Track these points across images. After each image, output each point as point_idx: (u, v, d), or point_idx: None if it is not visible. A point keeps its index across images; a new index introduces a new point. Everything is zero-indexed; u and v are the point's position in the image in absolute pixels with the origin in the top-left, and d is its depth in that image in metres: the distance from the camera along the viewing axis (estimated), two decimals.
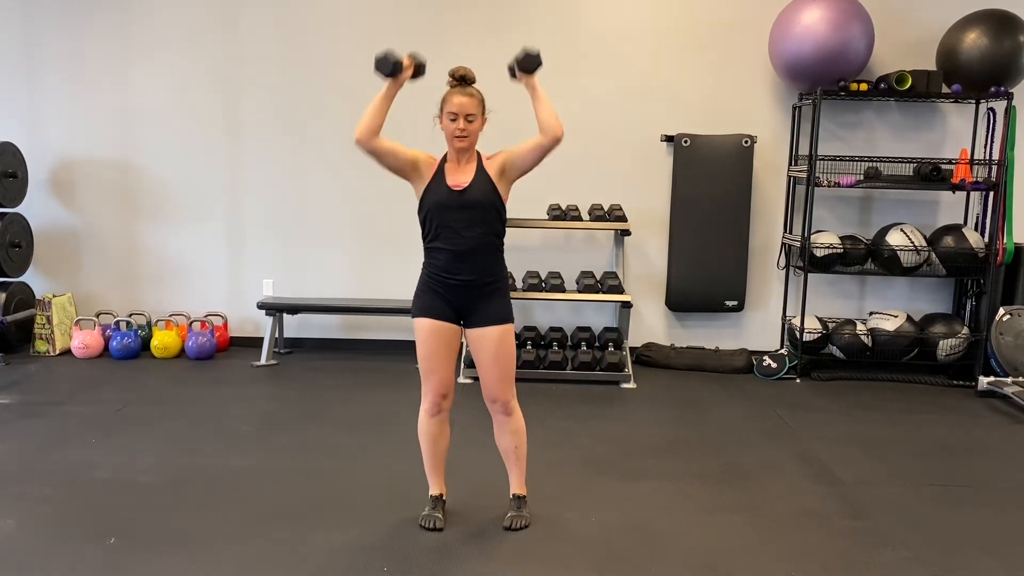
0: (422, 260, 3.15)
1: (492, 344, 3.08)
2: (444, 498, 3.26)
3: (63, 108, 5.91)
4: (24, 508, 3.29)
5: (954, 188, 5.41)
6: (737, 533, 3.22)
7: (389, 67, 2.99)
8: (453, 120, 3.00)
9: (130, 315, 5.92)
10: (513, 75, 3.12)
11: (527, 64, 3.06)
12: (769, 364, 5.62)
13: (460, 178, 3.05)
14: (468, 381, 5.19)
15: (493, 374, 3.11)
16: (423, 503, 3.25)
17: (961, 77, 5.34)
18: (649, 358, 5.83)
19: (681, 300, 5.88)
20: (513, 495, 3.27)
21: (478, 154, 3.12)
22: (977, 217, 5.67)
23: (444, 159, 3.11)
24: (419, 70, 3.06)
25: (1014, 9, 5.34)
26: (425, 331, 3.09)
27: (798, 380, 5.51)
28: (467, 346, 3.20)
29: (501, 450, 3.27)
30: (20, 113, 5.92)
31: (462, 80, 3.05)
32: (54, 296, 5.81)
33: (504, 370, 3.12)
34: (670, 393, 5.20)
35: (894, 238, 5.44)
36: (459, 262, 3.04)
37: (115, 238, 6.03)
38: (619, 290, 5.46)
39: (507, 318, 3.11)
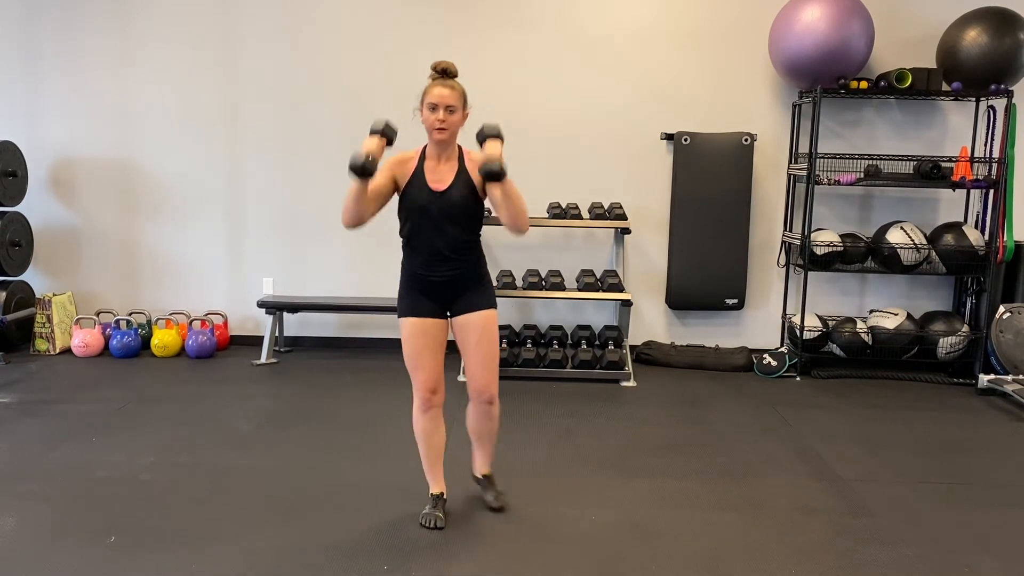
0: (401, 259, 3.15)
1: (477, 329, 3.11)
2: (444, 496, 3.26)
3: (63, 106, 5.91)
4: (24, 507, 3.29)
5: (954, 186, 5.41)
6: (737, 531, 3.22)
7: (359, 171, 2.87)
8: (433, 111, 2.97)
9: (130, 314, 5.92)
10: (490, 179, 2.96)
11: (492, 175, 2.90)
12: (769, 362, 5.62)
13: (440, 177, 3.03)
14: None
15: (477, 358, 3.13)
16: (423, 501, 3.24)
17: (961, 75, 5.33)
18: (649, 356, 5.83)
19: (681, 298, 5.88)
20: (484, 475, 3.35)
21: (460, 149, 3.08)
22: (977, 215, 5.66)
23: (424, 154, 3.07)
24: (390, 141, 2.98)
25: (1014, 7, 5.34)
26: (410, 330, 3.10)
27: (798, 378, 5.52)
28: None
29: (475, 432, 3.31)
30: (20, 112, 5.92)
31: (444, 73, 3.02)
32: (54, 295, 5.81)
33: (488, 355, 3.14)
34: (670, 391, 5.20)
35: (894, 236, 5.43)
36: (438, 262, 3.06)
37: (115, 237, 6.03)
38: (619, 288, 5.46)
39: (491, 304, 3.15)
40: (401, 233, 3.11)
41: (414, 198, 3.03)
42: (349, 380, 5.28)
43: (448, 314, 3.14)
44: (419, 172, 3.04)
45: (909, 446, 4.27)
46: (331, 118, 5.86)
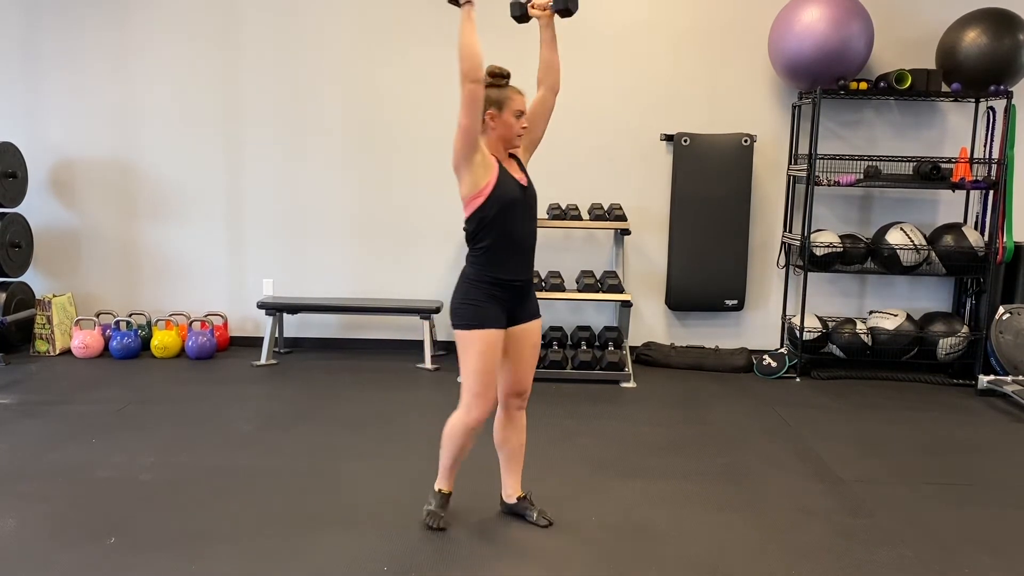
0: (463, 268, 3.04)
1: (534, 336, 3.15)
2: (450, 497, 3.24)
3: (63, 108, 5.91)
4: (24, 508, 3.29)
5: (954, 187, 5.41)
6: (737, 532, 3.22)
7: None
8: (519, 118, 3.00)
9: (130, 315, 5.93)
10: (521, 18, 3.21)
11: (573, 6, 3.14)
12: (769, 363, 5.62)
13: (517, 174, 3.06)
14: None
15: (528, 365, 3.16)
16: (423, 502, 3.24)
17: (961, 76, 5.34)
18: (649, 357, 5.83)
19: (681, 299, 5.88)
20: (522, 496, 3.27)
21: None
22: (977, 216, 5.67)
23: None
24: None
25: (1014, 8, 5.34)
26: (488, 342, 2.98)
27: (798, 379, 5.52)
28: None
29: (509, 448, 3.24)
30: (20, 113, 5.92)
31: (508, 78, 3.06)
32: (54, 296, 5.81)
33: (535, 360, 3.21)
34: (670, 392, 5.20)
35: (894, 237, 5.44)
36: (523, 261, 3.07)
37: (115, 238, 6.03)
38: (619, 289, 5.46)
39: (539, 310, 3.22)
40: (482, 237, 2.98)
41: (507, 192, 2.96)
42: (349, 381, 5.28)
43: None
44: (503, 169, 3.01)
45: (909, 447, 4.27)
46: (331, 118, 5.86)
